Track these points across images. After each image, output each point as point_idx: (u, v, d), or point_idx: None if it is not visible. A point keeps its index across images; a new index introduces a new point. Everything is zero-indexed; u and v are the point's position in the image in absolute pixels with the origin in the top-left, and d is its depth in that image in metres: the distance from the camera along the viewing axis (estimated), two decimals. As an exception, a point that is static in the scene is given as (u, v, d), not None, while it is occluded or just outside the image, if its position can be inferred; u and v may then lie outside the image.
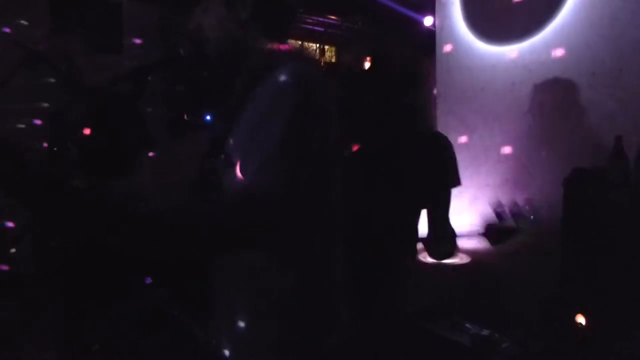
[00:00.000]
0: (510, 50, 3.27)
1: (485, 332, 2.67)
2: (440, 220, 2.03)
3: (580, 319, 2.25)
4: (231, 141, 1.20)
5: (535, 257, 2.77)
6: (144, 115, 2.11)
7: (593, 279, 2.21)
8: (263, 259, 1.18)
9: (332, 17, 5.28)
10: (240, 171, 1.11)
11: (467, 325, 2.80)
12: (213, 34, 1.25)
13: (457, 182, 2.07)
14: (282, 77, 1.12)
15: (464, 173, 2.13)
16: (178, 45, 1.33)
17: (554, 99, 3.01)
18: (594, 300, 2.21)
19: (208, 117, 4.99)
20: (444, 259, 2.14)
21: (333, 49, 7.15)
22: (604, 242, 2.22)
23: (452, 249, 2.04)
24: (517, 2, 3.22)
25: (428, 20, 4.26)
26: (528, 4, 3.17)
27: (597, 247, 2.24)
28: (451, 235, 2.02)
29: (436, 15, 3.84)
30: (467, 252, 3.54)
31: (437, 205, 2.03)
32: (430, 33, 3.95)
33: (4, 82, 1.99)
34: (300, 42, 5.32)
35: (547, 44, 3.06)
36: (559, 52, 3.00)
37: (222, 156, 1.20)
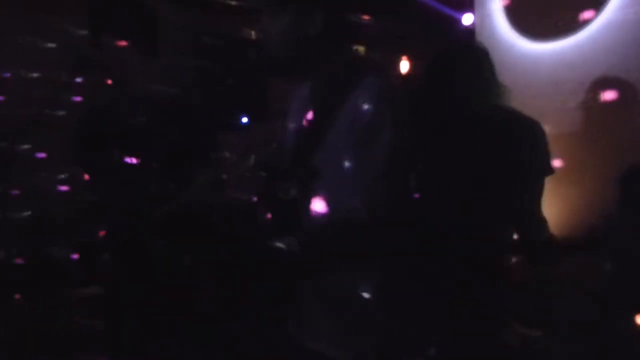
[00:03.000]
0: (554, 49, 3.22)
1: (535, 333, 2.63)
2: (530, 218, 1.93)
3: None
4: (318, 157, 1.21)
5: (588, 256, 2.71)
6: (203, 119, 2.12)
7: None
8: (357, 270, 1.19)
9: (366, 17, 5.25)
10: (342, 187, 1.13)
11: (515, 325, 2.76)
12: (278, 42, 1.27)
13: (548, 169, 1.99)
14: (373, 97, 1.13)
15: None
16: (247, 48, 1.36)
17: (601, 97, 2.95)
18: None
19: (245, 120, 5.01)
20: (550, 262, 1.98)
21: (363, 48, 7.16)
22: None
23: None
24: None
25: (467, 18, 4.21)
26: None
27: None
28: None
29: (475, 12, 3.79)
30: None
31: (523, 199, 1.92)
32: (470, 31, 3.90)
33: (63, 86, 2.02)
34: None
35: (593, 40, 3.00)
36: (605, 50, 2.94)
37: (303, 170, 1.21)
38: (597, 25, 2.99)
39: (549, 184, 3.24)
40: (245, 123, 4.96)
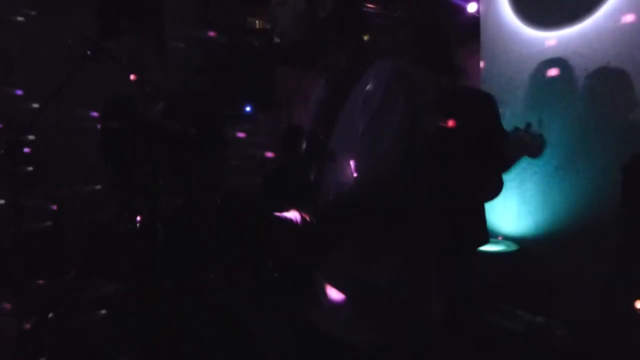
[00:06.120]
0: (559, 36, 3.21)
1: (539, 319, 2.65)
2: None
3: (640, 306, 2.22)
4: (334, 139, 1.23)
5: (591, 243, 2.73)
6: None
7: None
8: (368, 249, 1.21)
9: (371, 6, 5.24)
10: (356, 166, 1.15)
11: (519, 312, 2.78)
12: (289, 28, 1.29)
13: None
14: (384, 77, 1.15)
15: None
16: (250, 36, 1.37)
17: (606, 85, 2.95)
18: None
19: (248, 109, 5.01)
20: None
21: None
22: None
23: None
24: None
25: (472, 7, 4.20)
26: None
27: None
28: None
29: (480, 0, 3.79)
30: (513, 239, 3.50)
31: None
32: (475, 20, 3.90)
33: (71, 74, 2.05)
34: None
35: (598, 28, 2.99)
36: (610, 37, 2.93)
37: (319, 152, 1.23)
38: (602, 13, 2.98)
39: (551, 173, 3.27)
40: (252, 112, 4.97)
